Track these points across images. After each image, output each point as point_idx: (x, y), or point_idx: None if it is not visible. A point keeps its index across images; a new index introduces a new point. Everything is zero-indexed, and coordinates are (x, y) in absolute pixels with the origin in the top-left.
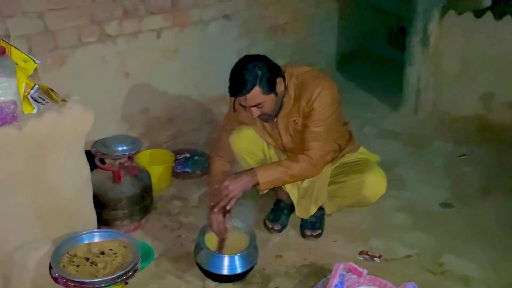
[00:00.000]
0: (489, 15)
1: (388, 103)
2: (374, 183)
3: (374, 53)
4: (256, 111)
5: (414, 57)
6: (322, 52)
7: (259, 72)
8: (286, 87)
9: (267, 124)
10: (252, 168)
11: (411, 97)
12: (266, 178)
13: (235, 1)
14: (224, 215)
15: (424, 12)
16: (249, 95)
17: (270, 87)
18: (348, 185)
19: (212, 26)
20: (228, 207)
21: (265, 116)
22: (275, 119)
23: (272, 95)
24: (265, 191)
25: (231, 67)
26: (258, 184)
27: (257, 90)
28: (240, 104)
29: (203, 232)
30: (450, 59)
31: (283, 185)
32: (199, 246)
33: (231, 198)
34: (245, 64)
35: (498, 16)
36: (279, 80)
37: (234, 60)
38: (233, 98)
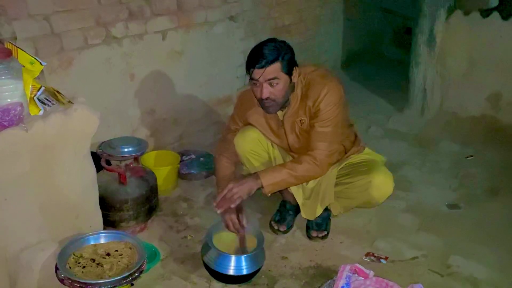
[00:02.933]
0: (496, 15)
1: (394, 103)
2: (381, 184)
3: (380, 53)
4: (267, 90)
5: (420, 57)
6: (328, 52)
7: (283, 51)
8: (295, 84)
9: (272, 123)
10: (256, 172)
11: (417, 97)
12: (270, 181)
13: (241, 2)
14: (238, 214)
15: (430, 12)
16: (268, 68)
17: (289, 69)
18: (355, 186)
19: (218, 27)
20: (232, 206)
21: (271, 102)
22: (279, 116)
23: (287, 78)
24: (271, 194)
25: (237, 68)
26: (262, 187)
27: (277, 65)
28: (254, 79)
29: (211, 231)
30: (457, 59)
31: (288, 187)
32: (207, 245)
33: (235, 199)
34: (269, 42)
35: (505, 16)
36: (295, 69)
37: (240, 61)
38: (250, 71)
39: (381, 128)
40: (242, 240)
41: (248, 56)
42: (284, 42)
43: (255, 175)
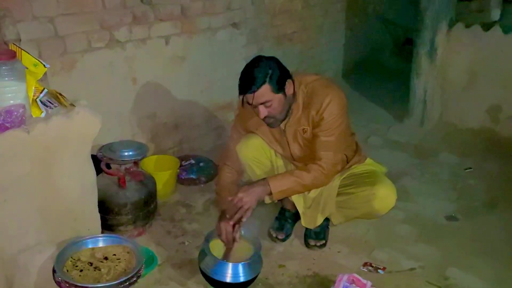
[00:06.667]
0: (497, 28)
1: (394, 114)
2: (385, 196)
3: (380, 63)
4: (263, 111)
5: (421, 69)
6: (329, 61)
7: (270, 71)
8: (295, 93)
9: (275, 132)
10: (264, 178)
11: (417, 108)
12: (278, 188)
13: (244, 9)
14: (234, 225)
15: (432, 24)
16: (257, 92)
17: (280, 87)
18: (357, 197)
19: (220, 33)
20: (244, 219)
21: (271, 119)
22: (283, 126)
23: (280, 96)
24: (270, 201)
25: (238, 75)
26: (270, 194)
27: (266, 87)
28: (248, 103)
29: (208, 238)
30: (457, 71)
31: (294, 194)
32: (204, 252)
33: (247, 210)
34: (257, 63)
35: (506, 29)
36: (288, 81)
37: (241, 68)
38: (241, 97)
39: (381, 138)
40: (227, 253)
41: (239, 78)
42: (271, 58)
43: (264, 181)
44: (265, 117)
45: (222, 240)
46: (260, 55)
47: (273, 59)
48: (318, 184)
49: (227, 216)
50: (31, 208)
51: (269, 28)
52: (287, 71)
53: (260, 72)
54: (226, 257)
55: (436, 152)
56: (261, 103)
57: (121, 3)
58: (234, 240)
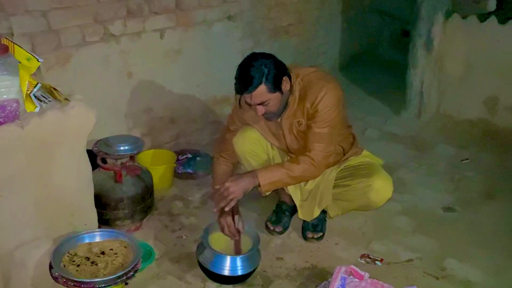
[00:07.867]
0: (493, 19)
1: (391, 106)
2: (381, 188)
3: (377, 55)
4: (261, 109)
5: (417, 60)
6: (326, 54)
7: (266, 70)
8: (292, 86)
9: (271, 125)
10: (253, 170)
11: (414, 100)
12: (267, 180)
13: (239, 2)
14: (233, 216)
15: (428, 15)
16: (254, 93)
17: (276, 86)
18: (354, 189)
19: (216, 26)
20: (226, 209)
21: (269, 114)
22: (279, 119)
23: (277, 94)
24: (267, 193)
25: (235, 68)
26: (259, 185)
27: (262, 88)
28: (245, 102)
29: (207, 232)
30: (454, 62)
31: (285, 186)
32: (203, 245)
33: (231, 200)
34: (252, 61)
35: (502, 20)
36: (285, 79)
37: (238, 61)
38: (238, 95)
39: (378, 130)
40: (237, 245)
41: (235, 77)
42: (267, 55)
43: (252, 174)
44: (262, 114)
45: (226, 235)
46: (256, 53)
47: (269, 57)
48: (308, 176)
49: (214, 205)
50: (27, 203)
51: (265, 20)
52: (284, 67)
53: (256, 72)
54: (237, 249)
55: (433, 144)
56: (258, 104)
57: None
58: (238, 231)
